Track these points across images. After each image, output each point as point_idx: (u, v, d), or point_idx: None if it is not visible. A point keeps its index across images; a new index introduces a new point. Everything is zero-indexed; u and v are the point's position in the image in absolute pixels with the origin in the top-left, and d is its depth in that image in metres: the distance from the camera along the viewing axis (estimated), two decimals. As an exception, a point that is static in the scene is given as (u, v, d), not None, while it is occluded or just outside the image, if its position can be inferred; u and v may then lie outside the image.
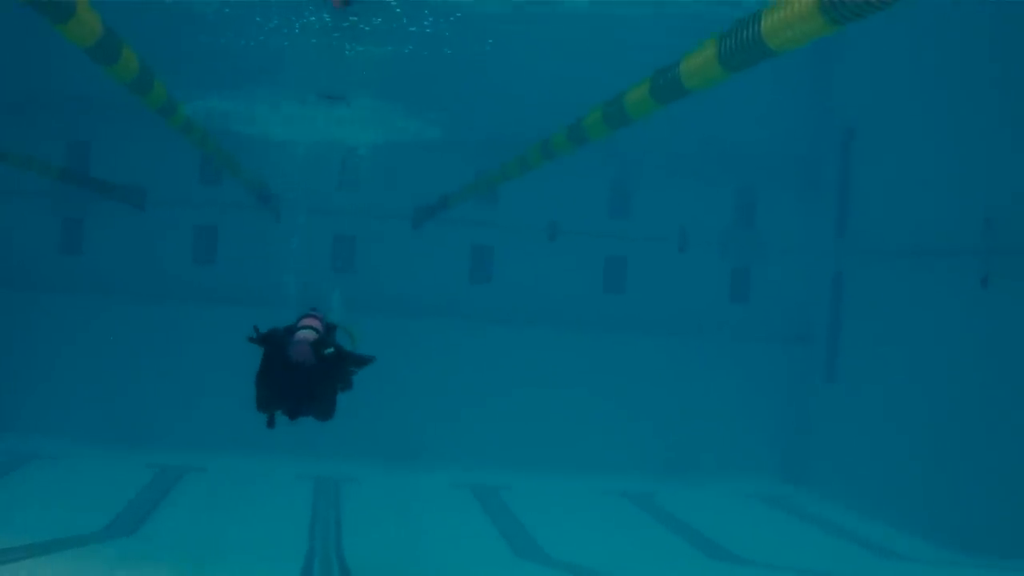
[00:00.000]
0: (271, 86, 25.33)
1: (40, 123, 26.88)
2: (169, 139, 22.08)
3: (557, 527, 22.21)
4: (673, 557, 20.73)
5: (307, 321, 13.06)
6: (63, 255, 27.75)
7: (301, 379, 12.87)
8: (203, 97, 24.81)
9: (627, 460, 27.48)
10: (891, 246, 24.84)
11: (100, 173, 26.93)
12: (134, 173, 27.34)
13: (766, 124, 28.28)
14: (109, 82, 14.67)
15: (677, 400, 28.01)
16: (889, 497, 23.59)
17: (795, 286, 28.57)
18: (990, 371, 21.20)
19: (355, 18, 20.80)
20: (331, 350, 12.91)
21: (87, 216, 27.77)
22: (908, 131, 24.27)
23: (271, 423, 13.23)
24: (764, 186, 28.82)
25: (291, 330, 12.94)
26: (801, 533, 23.72)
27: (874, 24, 8.81)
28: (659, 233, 28.46)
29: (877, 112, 25.74)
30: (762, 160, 28.55)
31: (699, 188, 28.42)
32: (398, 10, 20.68)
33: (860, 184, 26.61)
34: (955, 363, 22.12)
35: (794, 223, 28.63)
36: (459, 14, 21.22)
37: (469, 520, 22.60)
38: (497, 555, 19.89)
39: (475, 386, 27.66)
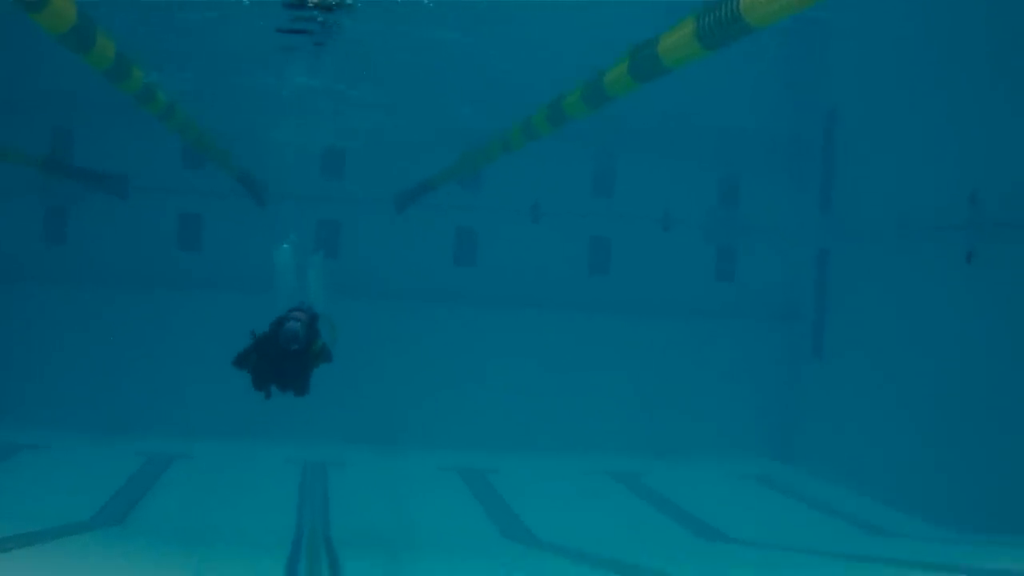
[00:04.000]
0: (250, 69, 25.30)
1: (22, 112, 26.78)
2: (151, 125, 22.00)
3: (545, 508, 22.20)
4: (662, 537, 20.75)
5: (295, 314, 16.06)
6: (47, 244, 27.67)
7: (288, 360, 15.86)
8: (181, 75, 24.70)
9: (615, 440, 27.49)
10: (876, 223, 24.85)
11: (82, 162, 26.87)
12: (116, 161, 27.26)
13: (750, 103, 28.23)
14: (90, 70, 14.64)
15: (664, 380, 28.01)
16: (879, 474, 23.61)
17: (780, 264, 28.59)
18: (976, 345, 21.20)
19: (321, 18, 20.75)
20: (319, 344, 16.22)
21: (71, 205, 27.68)
22: (891, 107, 24.25)
23: (268, 395, 16.10)
24: (748, 165, 28.80)
25: (281, 320, 16.01)
26: (791, 511, 23.73)
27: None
28: (643, 213, 28.44)
29: (860, 89, 25.71)
30: (746, 139, 28.52)
31: (683, 167, 28.40)
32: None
33: (844, 162, 26.60)
34: (941, 338, 22.12)
35: (778, 201, 28.63)
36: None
37: (457, 502, 22.59)
38: (485, 536, 19.90)
39: (461, 368, 27.68)
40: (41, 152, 26.43)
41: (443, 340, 27.83)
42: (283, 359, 15.86)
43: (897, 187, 23.95)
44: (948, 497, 21.29)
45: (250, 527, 19.54)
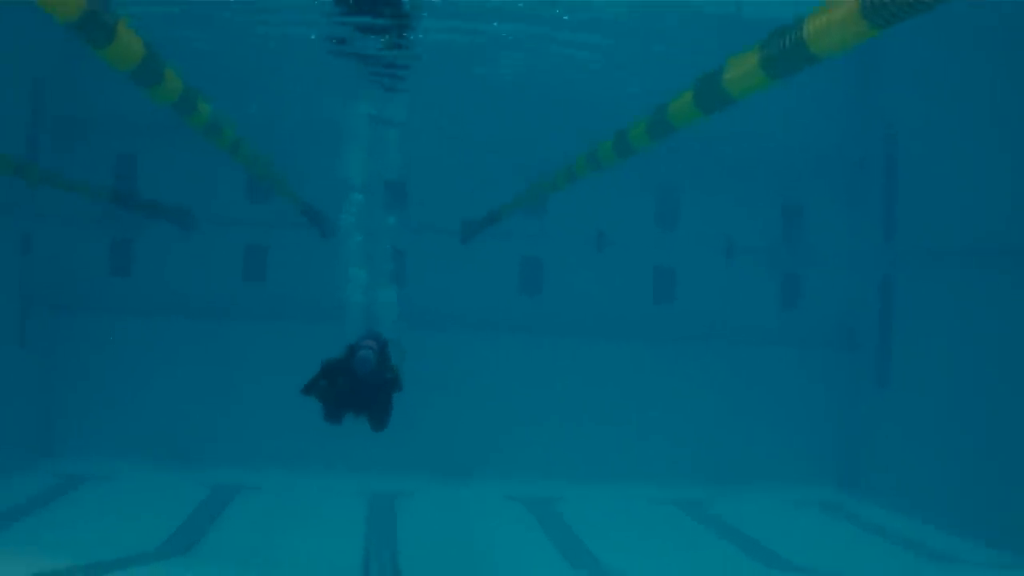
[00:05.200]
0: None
1: (88, 144, 27.00)
2: (216, 157, 22.11)
3: (612, 538, 22.12)
4: (728, 566, 20.64)
5: (367, 343, 16.14)
6: (113, 276, 27.82)
7: (363, 388, 16.01)
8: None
9: (679, 469, 27.38)
10: (939, 248, 24.66)
11: (148, 194, 27.05)
12: (182, 192, 27.42)
13: (812, 128, 28.16)
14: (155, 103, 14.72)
15: (729, 408, 27.90)
16: (945, 502, 23.40)
17: (844, 291, 28.42)
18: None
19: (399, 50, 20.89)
20: (391, 374, 16.31)
21: (136, 237, 27.85)
22: (954, 129, 24.06)
23: (339, 422, 16.35)
24: (811, 191, 28.64)
25: (354, 348, 16.10)
26: (857, 540, 23.55)
27: (917, 22, 8.73)
28: (707, 242, 28.34)
29: (922, 111, 25.53)
30: (809, 165, 28.40)
31: (746, 195, 28.29)
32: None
33: (907, 186, 26.43)
34: (1007, 363, 21.92)
35: (842, 228, 28.47)
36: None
37: (524, 533, 22.53)
38: (553, 567, 19.83)
39: (526, 398, 27.62)
40: (106, 184, 26.59)
41: (508, 369, 27.77)
42: (357, 387, 16.07)
43: (961, 210, 23.76)
44: (1016, 524, 21.10)
45: (317, 559, 19.55)
